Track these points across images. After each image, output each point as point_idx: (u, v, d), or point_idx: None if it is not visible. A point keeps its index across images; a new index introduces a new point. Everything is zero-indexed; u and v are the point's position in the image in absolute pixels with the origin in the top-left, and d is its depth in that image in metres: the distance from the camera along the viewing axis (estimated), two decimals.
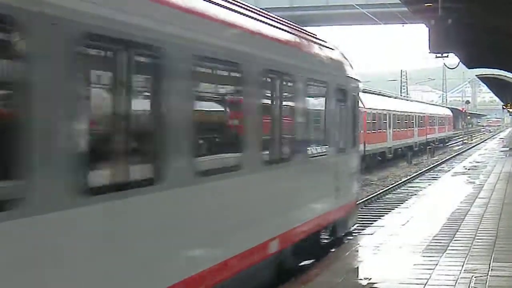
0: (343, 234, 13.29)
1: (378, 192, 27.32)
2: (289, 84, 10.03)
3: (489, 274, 9.90)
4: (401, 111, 49.50)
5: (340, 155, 12.61)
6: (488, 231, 13.54)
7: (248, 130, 8.39)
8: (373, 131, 40.49)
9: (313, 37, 11.85)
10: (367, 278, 9.70)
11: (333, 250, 12.36)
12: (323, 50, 12.04)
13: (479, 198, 19.35)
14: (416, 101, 79.14)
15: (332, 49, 12.73)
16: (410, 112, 53.25)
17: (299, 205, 10.45)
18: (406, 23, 40.37)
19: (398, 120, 47.74)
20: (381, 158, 42.88)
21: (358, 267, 10.56)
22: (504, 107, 75.22)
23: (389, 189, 28.74)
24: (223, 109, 8.38)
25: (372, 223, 16.10)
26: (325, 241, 12.43)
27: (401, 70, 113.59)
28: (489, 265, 10.47)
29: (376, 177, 35.28)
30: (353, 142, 13.68)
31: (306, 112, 10.68)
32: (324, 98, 11.87)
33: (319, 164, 11.44)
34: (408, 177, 33.71)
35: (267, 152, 9.11)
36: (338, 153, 12.39)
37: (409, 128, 52.03)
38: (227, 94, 8.46)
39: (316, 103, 11.69)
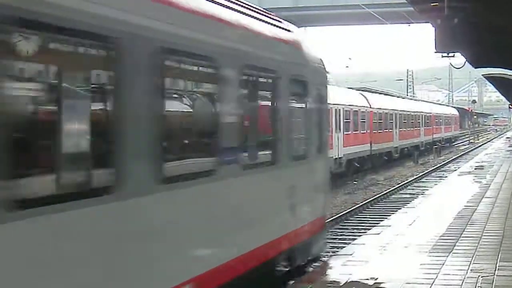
0: (305, 261, 10.76)
1: (385, 192, 27.33)
2: (207, 69, 7.52)
3: (495, 273, 9.88)
4: (407, 111, 49.47)
5: (298, 164, 10.04)
6: (495, 231, 13.52)
7: (130, 134, 5.79)
8: (379, 131, 40.47)
9: (258, 13, 9.25)
10: (373, 278, 9.70)
11: (292, 282, 9.99)
12: (272, 31, 9.53)
13: (486, 197, 19.32)
14: (422, 100, 79.09)
15: (289, 31, 10.26)
16: (416, 112, 53.21)
17: (224, 237, 7.76)
18: (412, 23, 40.32)
19: (405, 120, 47.73)
20: (388, 157, 42.87)
21: (364, 267, 10.56)
22: (511, 106, 75.08)
23: (395, 188, 28.74)
24: (89, 104, 5.64)
25: (378, 223, 16.10)
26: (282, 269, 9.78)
27: (407, 70, 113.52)
28: (496, 264, 10.46)
29: (382, 176, 35.30)
30: (319, 146, 11.14)
31: (241, 108, 8.12)
32: (272, 91, 9.29)
33: (261, 176, 8.79)
34: (415, 177, 33.69)
35: (169, 165, 6.51)
36: (294, 161, 9.82)
37: (416, 128, 52.01)
38: (92, 82, 5.72)
39: (259, 97, 9.12)
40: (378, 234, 13.57)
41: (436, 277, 9.69)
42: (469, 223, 14.60)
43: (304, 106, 10.57)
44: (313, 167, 10.84)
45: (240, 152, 8.06)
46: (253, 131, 8.78)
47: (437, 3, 17.22)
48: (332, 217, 20.66)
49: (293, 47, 10.30)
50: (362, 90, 44.32)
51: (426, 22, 24.76)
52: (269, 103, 9.41)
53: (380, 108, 41.37)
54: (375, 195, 26.23)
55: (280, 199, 9.44)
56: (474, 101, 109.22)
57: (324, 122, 11.71)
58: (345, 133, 33.52)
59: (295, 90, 10.00)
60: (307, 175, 10.59)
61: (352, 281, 9.63)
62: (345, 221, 20.90)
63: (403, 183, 30.92)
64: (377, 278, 9.66)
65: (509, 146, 53.06)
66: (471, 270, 10.13)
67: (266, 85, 9.25)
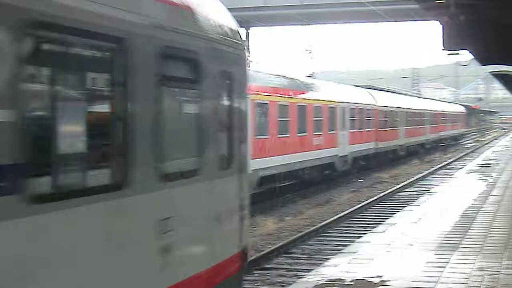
0: None
1: (390, 190, 27.26)
2: None
3: (501, 272, 9.85)
4: (413, 109, 49.39)
5: (179, 185, 6.62)
6: (501, 229, 13.48)
7: None
8: (385, 129, 40.42)
9: None
10: (379, 276, 9.67)
11: None
12: None
13: (492, 195, 19.27)
14: (429, 98, 78.97)
15: None
16: (422, 109, 53.13)
17: None
18: (418, 21, 40.23)
19: (410, 118, 47.65)
20: (393, 155, 42.80)
21: (369, 265, 10.53)
22: None
23: (401, 187, 28.66)
24: None
25: (383, 221, 16.06)
26: None
27: (413, 68, 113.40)
28: (502, 263, 10.42)
29: (388, 174, 35.25)
30: (226, 158, 7.84)
31: (26, 94, 4.51)
32: (114, 71, 5.58)
33: (87, 211, 5.09)
34: (420, 175, 33.60)
35: None
36: (168, 182, 6.34)
37: (421, 126, 51.93)
38: None
39: (79, 80, 5.31)
40: (383, 232, 13.55)
41: (442, 275, 9.66)
42: (475, 221, 14.56)
43: (192, 97, 7.16)
44: (211, 188, 7.43)
45: (26, 173, 4.41)
46: (62, 136, 4.96)
47: (442, 1, 17.14)
48: (337, 215, 20.63)
49: (173, 6, 6.76)
50: (368, 88, 44.28)
51: (433, 20, 24.69)
52: (116, 91, 5.64)
53: (386, 106, 41.33)
54: (381, 193, 26.17)
55: (137, 242, 5.85)
56: (480, 99, 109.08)
57: (236, 122, 8.10)
58: (350, 131, 33.49)
59: (171, 72, 6.57)
60: (199, 200, 7.22)
61: (357, 279, 9.61)
62: (350, 219, 20.85)
63: (409, 181, 30.85)
64: (382, 276, 9.64)
65: None
66: (477, 268, 10.09)
67: (98, 60, 5.59)
